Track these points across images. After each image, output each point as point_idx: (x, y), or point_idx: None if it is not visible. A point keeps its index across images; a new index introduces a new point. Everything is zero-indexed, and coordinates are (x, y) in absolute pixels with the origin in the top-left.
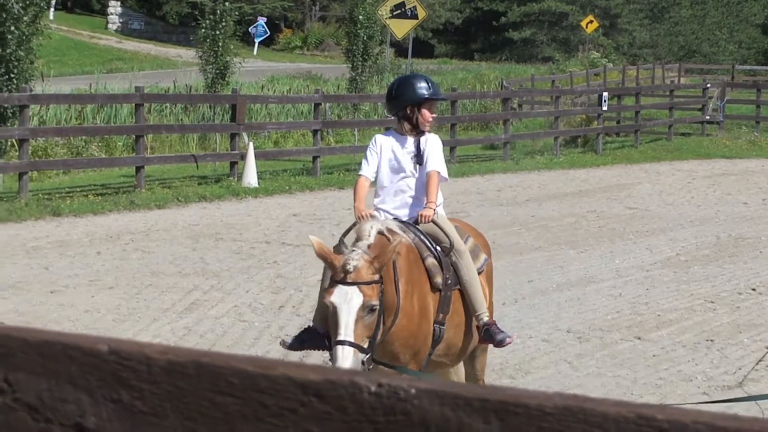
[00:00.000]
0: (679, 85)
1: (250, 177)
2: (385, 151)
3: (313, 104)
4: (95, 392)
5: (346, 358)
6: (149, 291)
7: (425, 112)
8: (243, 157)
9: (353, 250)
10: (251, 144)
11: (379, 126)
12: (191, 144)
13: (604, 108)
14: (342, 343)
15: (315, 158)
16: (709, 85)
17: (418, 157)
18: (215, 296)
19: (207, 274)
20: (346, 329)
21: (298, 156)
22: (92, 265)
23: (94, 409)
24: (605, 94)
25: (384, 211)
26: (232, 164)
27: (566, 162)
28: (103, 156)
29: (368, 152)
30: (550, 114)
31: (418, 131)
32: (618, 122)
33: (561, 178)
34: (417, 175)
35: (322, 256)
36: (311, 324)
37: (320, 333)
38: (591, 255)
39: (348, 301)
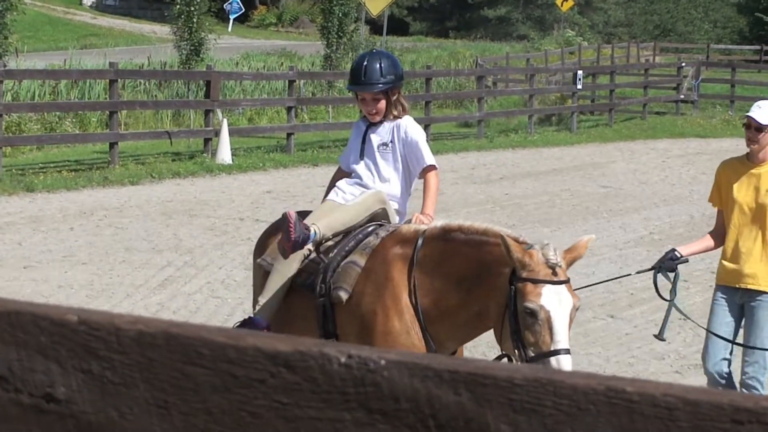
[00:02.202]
0: (653, 64)
1: (224, 154)
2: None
3: (287, 81)
4: (65, 362)
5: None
6: (122, 267)
7: (360, 104)
8: (217, 133)
9: (545, 244)
10: (225, 121)
11: (354, 103)
12: (165, 120)
13: (579, 86)
14: (557, 353)
15: (289, 135)
16: (683, 64)
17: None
18: (188, 272)
19: (180, 251)
20: (563, 336)
21: (272, 133)
22: (65, 241)
23: (63, 380)
24: (580, 72)
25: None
26: (206, 141)
27: (540, 140)
28: (77, 132)
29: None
30: (524, 92)
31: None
32: (592, 101)
33: (535, 156)
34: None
35: (515, 249)
36: (252, 315)
37: (262, 326)
38: (565, 233)
39: (560, 303)
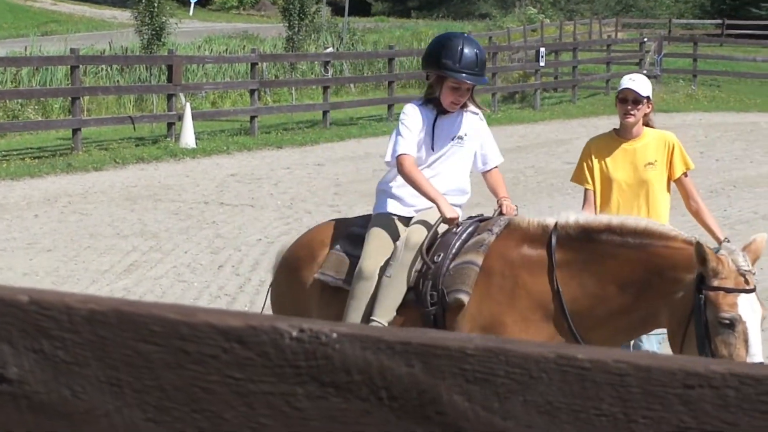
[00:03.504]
0: (616, 39)
1: (188, 138)
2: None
3: (249, 64)
4: (16, 343)
5: None
6: (88, 253)
7: (447, 91)
8: (180, 117)
9: (732, 249)
10: (188, 105)
11: (317, 85)
12: (128, 106)
13: (542, 64)
14: None
15: (252, 118)
16: (646, 40)
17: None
18: (154, 257)
19: (145, 236)
20: (758, 348)
21: (235, 116)
22: (30, 228)
23: (15, 360)
24: (542, 49)
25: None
26: (170, 125)
27: (504, 118)
28: (40, 119)
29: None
30: (487, 70)
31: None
32: (556, 78)
33: (499, 134)
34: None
35: (711, 256)
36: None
37: None
38: (530, 210)
39: (753, 312)
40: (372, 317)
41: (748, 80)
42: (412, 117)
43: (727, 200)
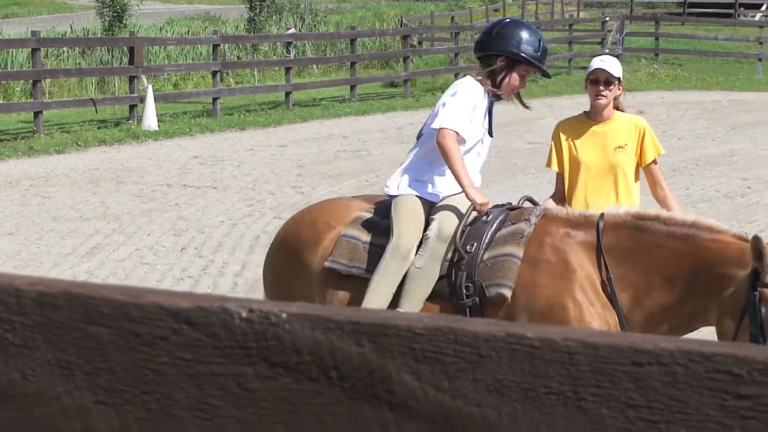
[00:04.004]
0: (578, 19)
1: (150, 120)
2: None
3: (212, 45)
4: None
5: None
6: (50, 236)
7: (516, 75)
8: (142, 100)
9: None
10: (150, 87)
11: (279, 66)
12: (90, 88)
13: None
14: None
15: (215, 100)
16: (608, 19)
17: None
18: (117, 240)
19: (108, 218)
20: None
21: (197, 98)
22: None
23: None
24: None
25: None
26: (132, 107)
27: None
28: (0, 102)
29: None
30: (450, 50)
31: (495, 94)
32: None
33: None
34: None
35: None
36: None
37: None
38: (493, 190)
39: None
40: (399, 309)
41: (710, 59)
42: (474, 95)
43: (690, 179)
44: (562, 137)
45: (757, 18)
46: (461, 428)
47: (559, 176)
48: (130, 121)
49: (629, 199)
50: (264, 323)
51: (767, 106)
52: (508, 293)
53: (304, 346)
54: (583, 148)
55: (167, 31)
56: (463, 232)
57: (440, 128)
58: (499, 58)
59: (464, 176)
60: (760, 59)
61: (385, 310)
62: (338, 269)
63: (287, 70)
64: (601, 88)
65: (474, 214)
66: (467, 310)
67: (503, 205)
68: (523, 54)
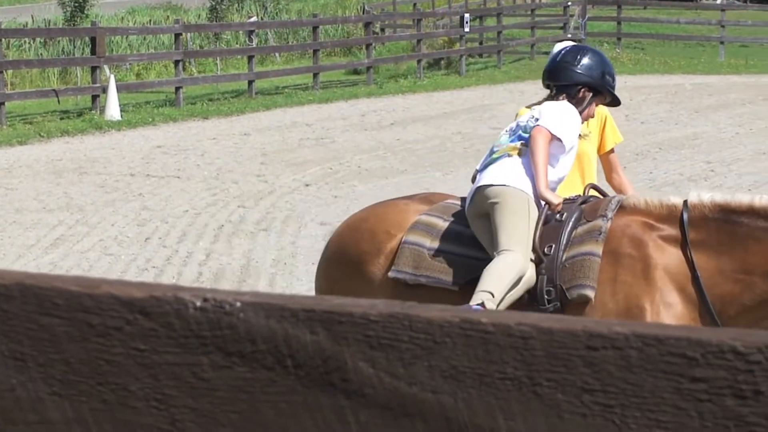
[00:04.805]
0: (540, 4)
1: (113, 110)
2: None
3: (174, 35)
4: None
5: None
6: (13, 228)
7: (594, 106)
8: (105, 90)
9: None
10: (113, 77)
11: (242, 54)
12: (52, 79)
13: (467, 29)
14: None
15: (177, 89)
16: (570, 4)
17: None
18: (81, 231)
19: (72, 209)
20: None
21: (160, 87)
22: None
23: None
24: (467, 15)
25: None
26: (94, 98)
27: (430, 84)
28: None
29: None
30: (412, 37)
31: None
32: (481, 43)
33: (425, 100)
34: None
35: None
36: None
37: None
38: (457, 176)
39: None
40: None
41: (672, 42)
42: (576, 119)
43: (653, 162)
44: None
45: (718, 1)
46: (417, 415)
47: None
48: (93, 112)
49: None
50: (218, 312)
51: (729, 89)
52: (591, 293)
53: (259, 335)
54: None
55: (129, 21)
56: (540, 233)
57: (545, 131)
58: (584, 89)
59: (543, 176)
60: (722, 42)
61: (339, 297)
62: (404, 279)
63: (250, 58)
64: None
65: (546, 213)
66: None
67: (573, 200)
68: (608, 87)
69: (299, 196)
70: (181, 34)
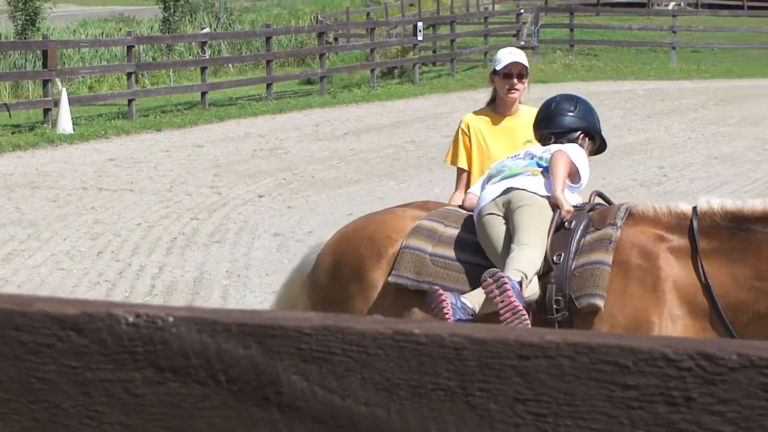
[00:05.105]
0: (493, 12)
1: (65, 123)
2: None
3: (126, 47)
4: None
5: None
6: None
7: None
8: (56, 103)
9: None
10: (64, 90)
11: (195, 66)
12: (3, 92)
13: (420, 38)
14: None
15: (130, 101)
16: (522, 11)
17: None
18: (32, 245)
19: (23, 224)
20: None
21: (113, 100)
22: None
23: None
24: (420, 24)
25: None
26: (46, 111)
27: (384, 93)
28: None
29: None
30: (366, 46)
31: None
32: (434, 51)
33: (379, 109)
34: None
35: None
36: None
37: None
38: (410, 185)
39: None
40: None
41: (625, 48)
42: (587, 161)
43: (606, 168)
44: (472, 132)
45: (670, 7)
46: (350, 427)
47: (464, 173)
48: (45, 125)
49: None
50: (151, 328)
51: (681, 94)
52: (600, 303)
53: (192, 350)
54: (494, 144)
55: (81, 34)
56: (551, 241)
57: (560, 150)
58: (582, 135)
59: (560, 183)
60: (674, 48)
61: (272, 311)
62: (405, 284)
63: (203, 69)
64: (515, 81)
65: (556, 221)
66: (556, 324)
67: (581, 207)
68: (600, 133)
69: (253, 207)
70: (133, 46)
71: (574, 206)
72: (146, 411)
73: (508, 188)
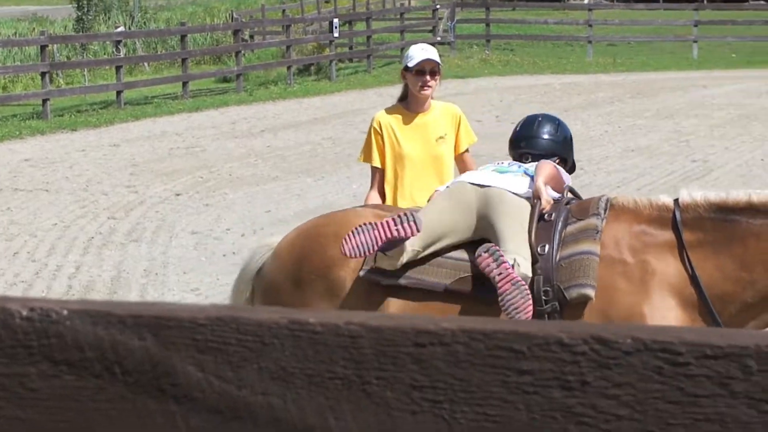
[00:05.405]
0: (409, 7)
1: None
2: None
3: (39, 47)
4: None
5: None
6: None
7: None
8: None
9: None
10: None
11: (110, 65)
12: None
13: (336, 35)
14: None
15: (45, 101)
16: (438, 7)
17: None
18: None
19: None
20: None
21: (27, 100)
22: None
23: None
24: (336, 20)
25: None
26: None
27: (300, 91)
28: None
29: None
30: (282, 43)
31: None
32: (350, 48)
33: (296, 107)
34: None
35: None
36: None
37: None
38: (328, 182)
39: None
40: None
41: (541, 43)
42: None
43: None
44: (384, 130)
45: (585, 1)
46: (247, 417)
47: (378, 170)
48: None
49: None
50: (45, 321)
51: (598, 87)
52: (591, 293)
53: (86, 343)
54: (406, 141)
55: None
56: (536, 232)
57: (544, 160)
58: (558, 161)
59: (543, 177)
60: (589, 42)
61: (166, 302)
62: (378, 280)
63: (118, 68)
64: (428, 78)
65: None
66: (546, 316)
67: (558, 200)
68: (573, 158)
69: (170, 205)
70: (47, 46)
71: (556, 201)
72: (42, 405)
73: (489, 185)
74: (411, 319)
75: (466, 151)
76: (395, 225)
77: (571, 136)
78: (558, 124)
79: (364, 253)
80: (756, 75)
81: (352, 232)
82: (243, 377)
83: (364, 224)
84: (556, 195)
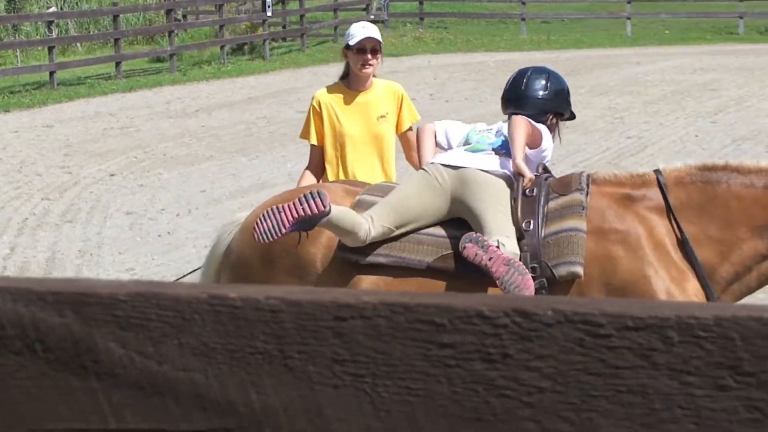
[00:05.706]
0: None
1: None
2: None
3: None
4: None
5: None
6: None
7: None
8: None
9: None
10: None
11: (42, 46)
12: None
13: (269, 14)
14: None
15: None
16: None
17: None
18: None
19: None
20: None
21: None
22: None
23: None
24: None
25: None
26: None
27: (234, 70)
28: None
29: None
30: (215, 23)
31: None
32: (284, 27)
33: (230, 86)
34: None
35: None
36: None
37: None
38: (263, 161)
39: None
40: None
41: (475, 21)
42: (550, 138)
43: None
44: (323, 109)
45: None
46: (168, 393)
47: (316, 149)
48: None
49: (391, 170)
50: None
51: (532, 65)
52: (580, 270)
53: (6, 320)
54: (346, 120)
55: None
56: (521, 208)
57: (518, 115)
58: (552, 116)
59: (520, 150)
60: (523, 19)
61: (87, 279)
62: (355, 259)
63: (50, 49)
64: (369, 57)
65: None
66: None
67: (537, 175)
68: (570, 107)
69: (104, 186)
70: None
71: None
72: None
73: (463, 167)
74: (331, 292)
75: (409, 129)
76: (300, 204)
77: (565, 87)
78: (548, 77)
79: (273, 236)
80: (689, 51)
81: (261, 217)
82: (164, 353)
83: (271, 208)
84: (534, 158)
